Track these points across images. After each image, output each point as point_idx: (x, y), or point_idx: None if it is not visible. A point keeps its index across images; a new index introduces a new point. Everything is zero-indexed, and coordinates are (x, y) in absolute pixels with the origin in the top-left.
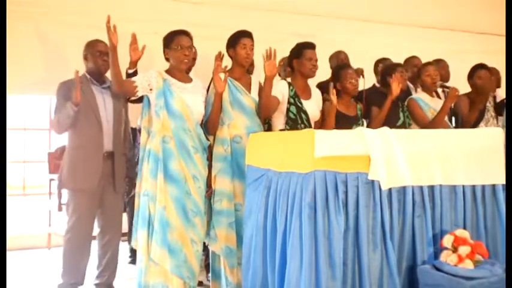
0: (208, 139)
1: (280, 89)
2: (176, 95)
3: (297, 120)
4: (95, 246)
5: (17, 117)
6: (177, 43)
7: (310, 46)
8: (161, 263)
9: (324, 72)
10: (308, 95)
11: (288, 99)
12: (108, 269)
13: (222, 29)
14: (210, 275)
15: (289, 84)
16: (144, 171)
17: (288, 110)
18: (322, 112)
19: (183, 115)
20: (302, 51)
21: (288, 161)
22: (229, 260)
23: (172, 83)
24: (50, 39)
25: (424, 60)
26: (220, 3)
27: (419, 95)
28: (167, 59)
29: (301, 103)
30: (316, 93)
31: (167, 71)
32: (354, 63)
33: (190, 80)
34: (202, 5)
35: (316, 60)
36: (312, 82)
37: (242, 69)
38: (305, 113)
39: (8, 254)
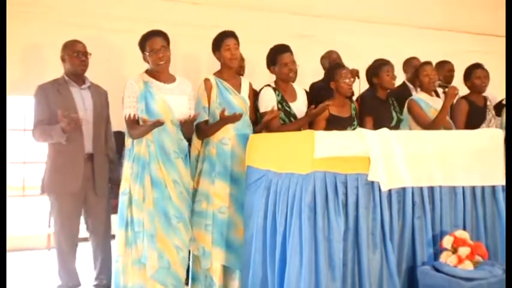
0: (187, 141)
1: (271, 99)
2: (157, 97)
3: (287, 124)
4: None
5: (16, 118)
6: (150, 46)
7: (284, 50)
8: (152, 266)
9: (320, 73)
10: (294, 97)
11: (276, 104)
12: (104, 271)
13: (221, 29)
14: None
15: (274, 89)
16: (125, 172)
17: None
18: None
19: (163, 117)
20: (276, 57)
21: (287, 162)
22: (203, 261)
23: (153, 84)
24: (50, 40)
25: (426, 60)
26: (218, 4)
27: (420, 96)
28: (145, 62)
29: (289, 107)
30: (301, 93)
31: (149, 72)
32: (354, 64)
33: (173, 80)
34: (201, 5)
35: (294, 63)
36: (309, 83)
37: (230, 70)
38: (294, 116)
39: (7, 255)
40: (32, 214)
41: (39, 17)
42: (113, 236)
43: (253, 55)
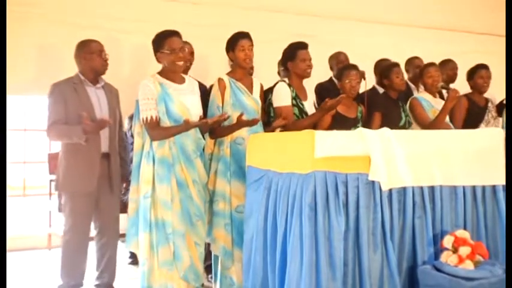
0: (204, 139)
1: (287, 93)
2: (175, 99)
3: (301, 119)
4: (93, 247)
5: (17, 118)
6: (168, 46)
7: (303, 46)
8: (185, 265)
9: (324, 73)
10: (305, 96)
11: (291, 100)
12: (107, 270)
13: (222, 29)
14: (210, 276)
15: (289, 85)
16: (145, 176)
17: None
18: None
19: (183, 118)
20: (295, 52)
21: (288, 161)
22: (225, 261)
23: (168, 86)
24: (49, 40)
25: (425, 61)
26: (220, 4)
27: (423, 95)
28: (159, 61)
29: (302, 104)
30: (311, 94)
31: (161, 73)
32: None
33: (183, 80)
34: (202, 5)
35: (310, 60)
36: (312, 83)
37: (243, 71)
38: (306, 114)
39: (8, 255)
40: (33, 214)
41: (39, 18)
42: (121, 235)
43: (255, 55)
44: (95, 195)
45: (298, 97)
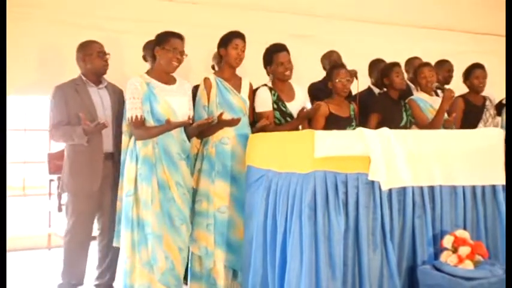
0: (189, 141)
1: (266, 98)
2: (160, 99)
3: (281, 124)
4: (95, 246)
5: (17, 118)
6: (172, 44)
7: (280, 49)
8: (160, 267)
9: (322, 73)
10: (291, 97)
11: (272, 104)
12: (109, 270)
13: (220, 30)
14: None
15: (271, 89)
16: (128, 174)
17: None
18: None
19: (167, 119)
20: (272, 56)
21: (288, 161)
22: (205, 261)
23: (155, 86)
24: (49, 40)
25: (425, 61)
26: (218, 4)
27: (419, 95)
28: (153, 57)
29: (285, 106)
30: (300, 93)
31: (149, 73)
32: (353, 65)
33: (174, 81)
34: (200, 5)
35: (289, 62)
36: (305, 83)
37: (232, 70)
38: (290, 115)
39: (8, 255)
40: (32, 214)
41: (39, 18)
42: None
43: (253, 55)
44: (99, 196)
45: (280, 100)
